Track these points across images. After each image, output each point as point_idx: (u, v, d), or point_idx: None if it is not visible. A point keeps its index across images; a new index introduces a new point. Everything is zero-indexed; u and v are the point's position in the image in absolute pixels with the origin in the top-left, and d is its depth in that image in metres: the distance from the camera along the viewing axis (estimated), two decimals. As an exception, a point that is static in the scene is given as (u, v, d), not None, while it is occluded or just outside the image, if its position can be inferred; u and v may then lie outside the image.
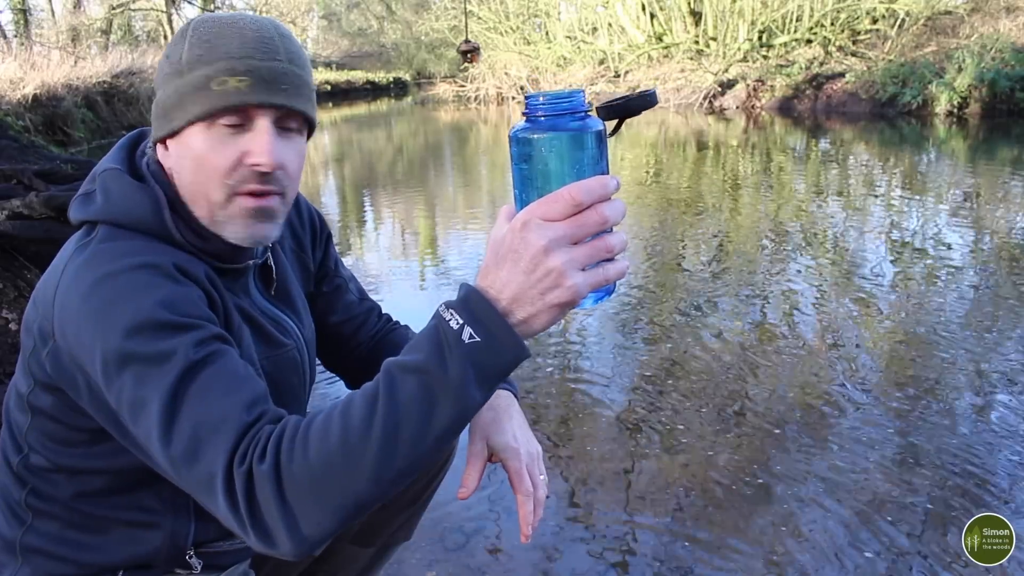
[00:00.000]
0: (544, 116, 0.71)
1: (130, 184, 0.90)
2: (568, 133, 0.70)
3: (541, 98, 0.70)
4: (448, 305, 0.70)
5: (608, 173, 0.71)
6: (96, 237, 0.88)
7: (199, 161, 0.88)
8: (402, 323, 1.24)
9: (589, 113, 0.72)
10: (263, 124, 0.87)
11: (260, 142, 0.87)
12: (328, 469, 0.68)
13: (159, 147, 0.92)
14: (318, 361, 1.18)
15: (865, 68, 14.19)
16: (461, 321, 0.68)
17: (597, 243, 0.68)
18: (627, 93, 0.78)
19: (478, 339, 0.68)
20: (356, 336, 1.20)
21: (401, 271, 4.60)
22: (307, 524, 0.69)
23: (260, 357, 0.96)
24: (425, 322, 0.72)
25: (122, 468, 0.89)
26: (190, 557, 0.96)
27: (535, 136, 0.70)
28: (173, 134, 0.89)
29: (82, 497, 0.92)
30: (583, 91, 0.72)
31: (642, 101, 0.75)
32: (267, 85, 0.86)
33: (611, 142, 0.75)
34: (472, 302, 0.69)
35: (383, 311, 1.25)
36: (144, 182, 0.91)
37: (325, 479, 0.68)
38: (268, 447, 0.70)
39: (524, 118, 0.72)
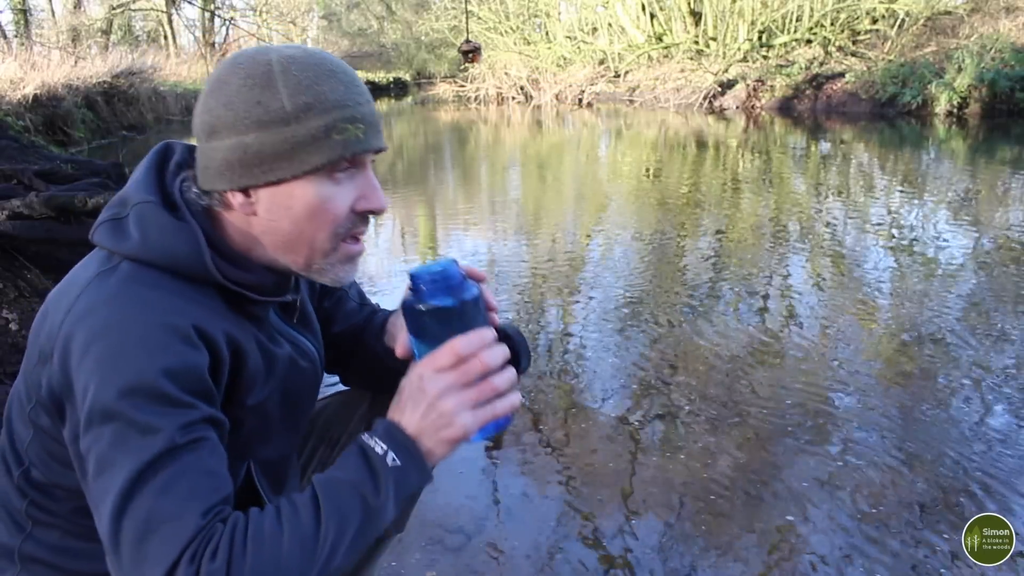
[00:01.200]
0: (425, 289, 0.85)
1: (169, 222, 0.86)
2: (446, 301, 0.84)
3: (422, 276, 0.85)
4: (371, 435, 0.83)
5: (487, 326, 0.86)
6: (121, 269, 0.85)
7: (313, 210, 0.87)
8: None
9: (464, 279, 0.87)
10: (369, 169, 0.91)
11: (372, 187, 0.91)
12: (279, 569, 0.74)
13: (232, 195, 0.88)
14: None
15: (865, 68, 14.18)
16: (385, 447, 0.82)
17: (483, 386, 0.83)
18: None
19: (399, 463, 0.81)
20: (352, 340, 1.21)
21: (400, 270, 4.60)
22: None
23: (283, 383, 0.97)
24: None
25: None
26: None
27: (420, 307, 0.85)
28: (275, 184, 0.86)
29: (82, 511, 0.91)
30: (455, 261, 0.87)
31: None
32: (374, 130, 0.90)
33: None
34: (392, 433, 0.83)
35: (379, 309, 1.26)
36: (178, 212, 0.88)
37: None
38: (220, 546, 0.74)
39: (410, 292, 0.87)
